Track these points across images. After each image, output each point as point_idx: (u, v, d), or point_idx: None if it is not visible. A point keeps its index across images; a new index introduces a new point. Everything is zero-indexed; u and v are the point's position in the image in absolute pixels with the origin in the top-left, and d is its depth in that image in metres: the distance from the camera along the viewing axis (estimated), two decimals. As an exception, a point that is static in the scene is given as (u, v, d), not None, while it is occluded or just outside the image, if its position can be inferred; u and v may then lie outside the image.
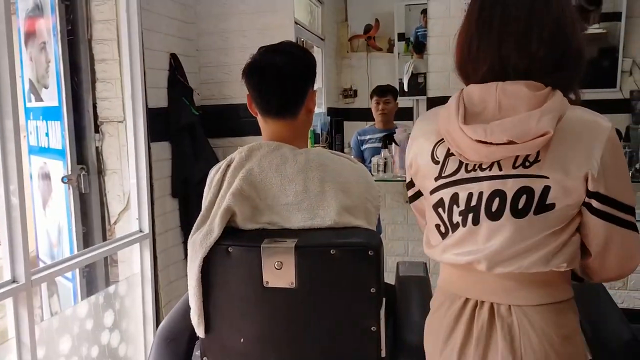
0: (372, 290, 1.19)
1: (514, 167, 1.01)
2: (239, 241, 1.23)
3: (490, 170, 1.03)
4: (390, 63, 4.05)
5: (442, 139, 1.08)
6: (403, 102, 3.57)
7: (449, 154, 1.07)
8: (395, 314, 1.38)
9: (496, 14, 1.06)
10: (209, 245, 1.22)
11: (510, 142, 0.97)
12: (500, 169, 1.02)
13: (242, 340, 1.26)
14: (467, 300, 1.08)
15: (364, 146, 3.35)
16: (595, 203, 1.00)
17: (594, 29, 2.88)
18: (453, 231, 1.07)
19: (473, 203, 1.04)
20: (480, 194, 1.03)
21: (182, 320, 1.34)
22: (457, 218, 1.06)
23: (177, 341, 1.35)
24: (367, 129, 3.47)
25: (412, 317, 1.37)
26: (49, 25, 2.44)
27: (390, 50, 4.08)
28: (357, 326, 1.22)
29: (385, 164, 2.64)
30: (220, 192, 1.30)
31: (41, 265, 2.09)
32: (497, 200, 1.02)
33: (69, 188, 2.40)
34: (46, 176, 2.63)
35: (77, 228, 2.41)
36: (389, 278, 1.55)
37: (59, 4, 2.38)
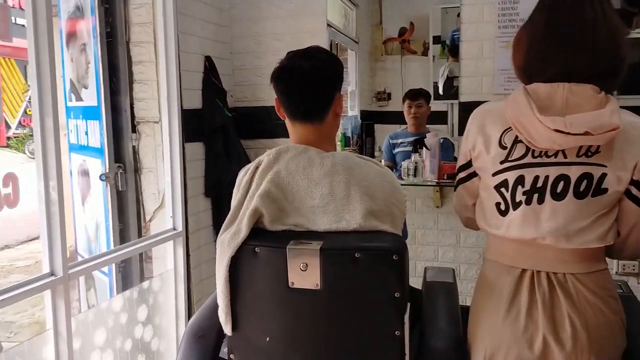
0: (396, 294, 1.20)
1: (578, 156, 1.19)
2: (266, 242, 1.26)
3: (555, 157, 1.20)
4: (424, 66, 4.02)
5: (509, 127, 1.23)
6: (438, 105, 3.54)
7: (516, 141, 1.23)
8: (422, 319, 1.39)
9: (563, 23, 1.21)
10: (237, 245, 1.25)
11: (587, 134, 1.12)
12: (565, 157, 1.20)
13: (267, 339, 1.29)
14: (524, 270, 1.25)
15: (396, 150, 3.34)
16: (634, 190, 1.20)
17: (637, 33, 2.80)
18: (514, 209, 1.25)
19: (539, 185, 1.21)
20: (546, 177, 1.21)
21: (211, 317, 1.37)
22: (520, 197, 1.23)
23: (206, 337, 1.39)
24: (399, 133, 3.46)
25: (438, 324, 1.37)
26: (89, 27, 2.52)
27: (424, 53, 4.05)
28: (380, 330, 1.23)
29: (415, 168, 2.63)
30: (248, 193, 1.33)
31: (79, 259, 2.16)
32: (561, 184, 1.20)
33: (106, 185, 2.48)
34: (85, 173, 2.72)
35: (114, 224, 2.49)
36: (417, 283, 1.56)
37: (98, 7, 2.46)
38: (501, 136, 1.25)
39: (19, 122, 12.70)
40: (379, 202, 1.29)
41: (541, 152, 1.21)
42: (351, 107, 4.46)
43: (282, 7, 2.95)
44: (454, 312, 1.41)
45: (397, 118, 3.67)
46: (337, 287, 1.23)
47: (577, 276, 1.21)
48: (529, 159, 1.22)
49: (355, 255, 1.20)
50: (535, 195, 1.22)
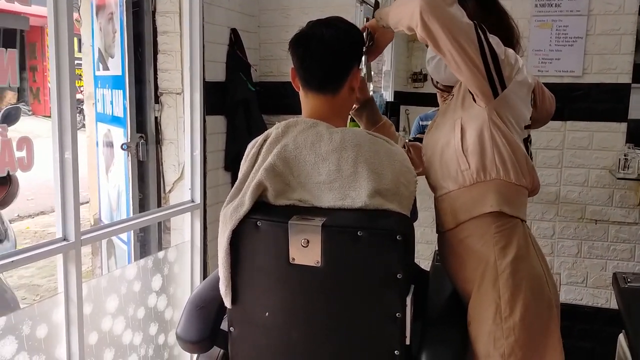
0: (399, 275, 1.16)
1: None
2: (268, 216, 1.23)
3: None
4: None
5: None
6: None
7: None
8: (427, 302, 1.34)
9: None
10: (239, 218, 1.23)
11: None
12: None
13: (266, 314, 1.27)
14: None
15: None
16: None
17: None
18: None
19: None
20: None
21: (213, 289, 1.36)
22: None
23: (207, 309, 1.37)
24: (429, 114, 3.36)
25: (440, 310, 1.33)
26: (117, -3, 2.52)
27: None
28: (381, 311, 1.19)
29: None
30: (254, 166, 1.31)
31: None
32: None
33: (128, 155, 2.50)
34: (109, 143, 2.75)
35: (134, 194, 2.51)
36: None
37: (126, -24, 2.45)
38: None
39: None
40: (387, 181, 1.24)
41: None
42: (385, 87, 4.37)
43: (311, -20, 2.89)
44: (458, 298, 1.36)
45: (432, 100, 3.56)
46: (338, 265, 1.20)
47: None
48: None
49: (358, 233, 1.17)
50: None
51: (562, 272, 2.80)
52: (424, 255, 2.86)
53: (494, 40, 1.25)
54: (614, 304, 2.47)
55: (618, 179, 2.59)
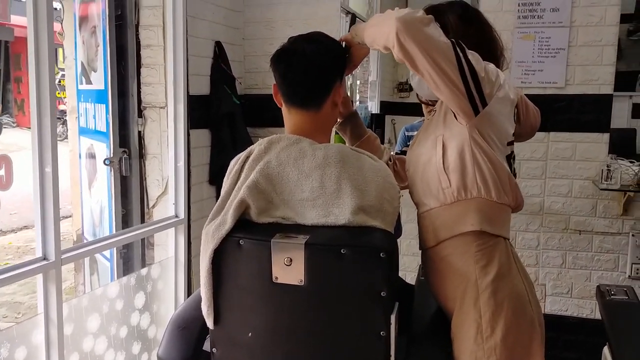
0: (383, 293, 1.15)
1: None
2: (251, 234, 1.22)
3: None
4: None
5: None
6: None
7: None
8: (412, 317, 1.33)
9: None
10: (221, 237, 1.21)
11: None
12: None
13: (249, 334, 1.25)
14: None
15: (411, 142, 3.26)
16: None
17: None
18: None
19: None
20: None
21: (195, 309, 1.33)
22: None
23: (189, 329, 1.35)
24: (415, 125, 3.37)
25: (427, 325, 1.32)
26: (99, 10, 2.50)
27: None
28: (365, 329, 1.18)
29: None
30: (237, 183, 1.29)
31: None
32: None
33: (110, 170, 2.47)
34: (92, 157, 2.71)
35: (117, 209, 2.47)
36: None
37: (109, -11, 2.43)
38: None
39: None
40: (371, 198, 1.23)
41: None
42: (371, 97, 4.39)
43: (295, -8, 2.89)
44: (443, 313, 1.35)
45: (419, 110, 3.56)
46: (322, 283, 1.18)
47: None
48: None
49: (342, 251, 1.15)
50: None
51: (547, 283, 2.81)
52: (410, 268, 2.85)
53: (474, 57, 1.23)
54: (598, 315, 2.47)
55: (601, 189, 2.61)
